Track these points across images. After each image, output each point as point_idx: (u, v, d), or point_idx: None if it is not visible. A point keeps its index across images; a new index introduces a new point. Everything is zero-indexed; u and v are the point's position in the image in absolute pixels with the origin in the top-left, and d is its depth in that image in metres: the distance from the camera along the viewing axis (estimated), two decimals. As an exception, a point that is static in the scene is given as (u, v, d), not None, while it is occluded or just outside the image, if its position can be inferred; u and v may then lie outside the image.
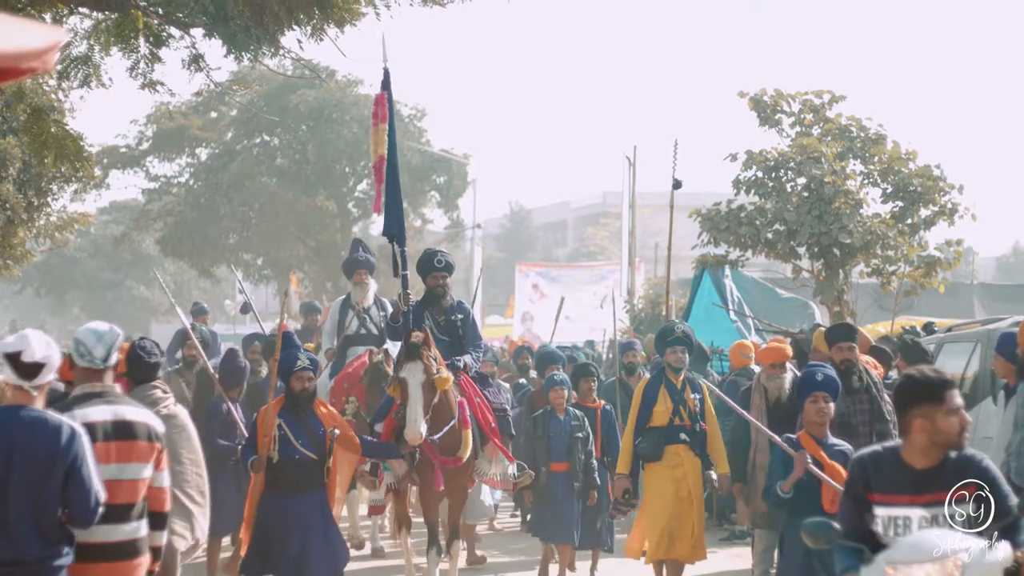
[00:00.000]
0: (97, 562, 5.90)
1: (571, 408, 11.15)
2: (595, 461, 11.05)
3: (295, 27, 10.60)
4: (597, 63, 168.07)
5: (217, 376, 10.95)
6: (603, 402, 11.62)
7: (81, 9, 10.85)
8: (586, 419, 11.11)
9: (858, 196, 17.13)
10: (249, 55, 10.87)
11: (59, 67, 11.06)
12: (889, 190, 17.42)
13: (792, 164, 17.33)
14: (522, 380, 14.93)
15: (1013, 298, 29.44)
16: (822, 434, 7.91)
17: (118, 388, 6.46)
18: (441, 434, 9.77)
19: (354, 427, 10.36)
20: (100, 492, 5.71)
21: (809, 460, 7.68)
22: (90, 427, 5.88)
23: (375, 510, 11.85)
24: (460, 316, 10.80)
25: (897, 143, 17.56)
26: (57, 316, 62.65)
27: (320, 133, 37.41)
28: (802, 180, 17.24)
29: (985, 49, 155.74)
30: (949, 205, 17.21)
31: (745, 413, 9.66)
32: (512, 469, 10.56)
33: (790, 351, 11.25)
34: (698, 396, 10.16)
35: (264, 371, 11.95)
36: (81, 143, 11.67)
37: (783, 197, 17.23)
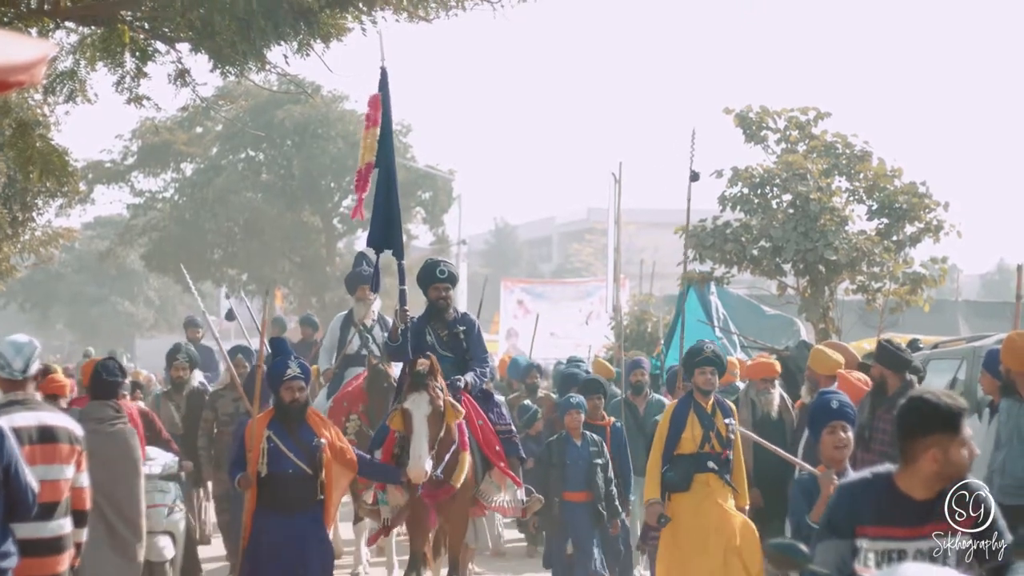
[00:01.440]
0: (25, 557, 6.10)
1: (587, 432, 10.50)
2: (615, 489, 10.46)
3: (281, 42, 10.60)
4: (582, 79, 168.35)
5: (243, 391, 10.69)
6: (613, 419, 11.24)
7: (67, 24, 10.84)
8: (604, 444, 10.52)
9: (843, 213, 17.15)
10: (235, 70, 10.86)
11: (44, 82, 11.03)
12: (874, 207, 17.45)
13: (778, 181, 17.35)
14: (527, 402, 13.97)
15: (997, 315, 29.41)
16: (841, 467, 7.03)
17: (39, 396, 6.96)
18: (443, 465, 8.97)
19: (356, 447, 9.80)
20: (34, 483, 6.00)
21: (835, 479, 6.78)
22: (16, 432, 6.16)
23: (373, 539, 11.30)
24: (463, 328, 10.05)
25: (883, 160, 17.59)
26: (41, 331, 62.27)
27: (305, 148, 37.41)
28: (788, 197, 17.26)
29: (971, 67, 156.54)
30: (934, 222, 17.24)
31: (765, 443, 9.26)
32: (521, 494, 9.87)
33: (779, 367, 11.25)
34: (730, 421, 9.41)
35: None
36: (66, 158, 11.69)
37: (769, 214, 17.25)
